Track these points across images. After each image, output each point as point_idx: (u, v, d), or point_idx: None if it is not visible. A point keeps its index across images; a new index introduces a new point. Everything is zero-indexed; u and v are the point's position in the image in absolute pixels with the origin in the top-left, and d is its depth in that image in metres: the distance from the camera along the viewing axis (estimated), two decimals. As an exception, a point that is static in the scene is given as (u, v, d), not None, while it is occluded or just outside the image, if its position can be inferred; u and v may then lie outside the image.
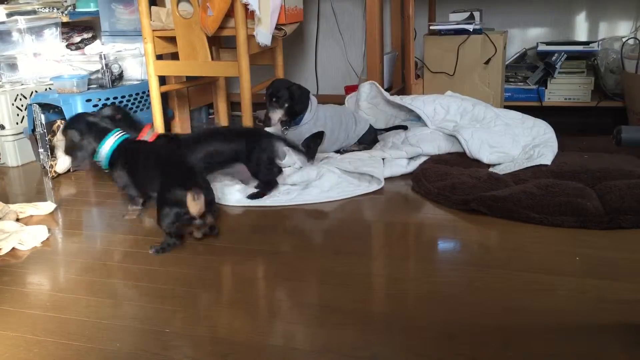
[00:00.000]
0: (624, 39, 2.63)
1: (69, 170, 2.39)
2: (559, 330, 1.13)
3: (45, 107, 2.50)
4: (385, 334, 1.15)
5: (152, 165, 1.64)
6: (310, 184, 1.98)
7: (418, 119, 2.36)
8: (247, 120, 2.30)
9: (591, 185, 1.79)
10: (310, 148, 2.15)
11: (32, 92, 2.64)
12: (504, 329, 1.14)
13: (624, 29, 2.83)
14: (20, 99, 2.60)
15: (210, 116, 3.33)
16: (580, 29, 2.91)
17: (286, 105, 2.06)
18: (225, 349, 1.12)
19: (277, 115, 2.06)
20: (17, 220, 1.87)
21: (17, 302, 1.36)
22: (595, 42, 2.72)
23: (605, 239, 1.52)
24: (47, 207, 1.96)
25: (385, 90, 2.52)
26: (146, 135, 1.82)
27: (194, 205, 1.49)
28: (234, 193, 1.95)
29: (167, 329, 1.20)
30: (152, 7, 2.34)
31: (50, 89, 2.70)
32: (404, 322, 1.19)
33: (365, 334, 1.15)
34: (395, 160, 2.14)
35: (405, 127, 2.34)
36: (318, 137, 2.16)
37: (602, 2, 2.84)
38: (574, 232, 1.57)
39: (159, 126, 2.45)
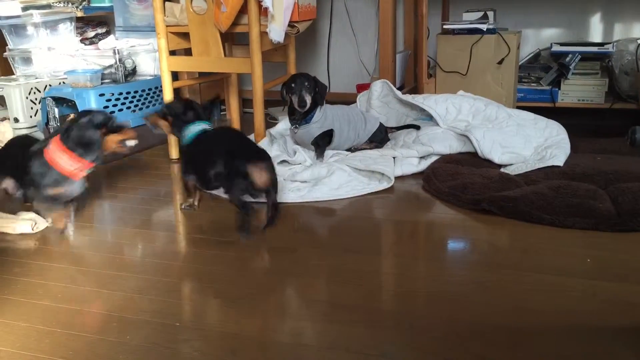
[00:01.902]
0: (639, 41, 2.61)
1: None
2: (569, 332, 1.12)
3: (59, 100, 2.53)
4: (394, 331, 1.15)
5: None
6: (321, 182, 1.98)
7: (430, 118, 2.35)
8: (259, 117, 2.31)
9: (603, 187, 1.78)
10: (320, 146, 2.17)
11: (46, 86, 2.66)
12: (514, 329, 1.14)
13: (639, 30, 2.81)
14: (35, 93, 2.62)
15: (222, 112, 3.34)
16: (595, 30, 2.89)
17: (312, 94, 2.09)
18: (234, 344, 1.13)
19: (310, 99, 2.08)
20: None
21: (29, 293, 1.37)
22: (610, 43, 2.70)
23: (617, 241, 1.51)
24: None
25: (397, 89, 2.52)
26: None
27: (259, 177, 1.57)
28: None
29: (177, 322, 1.21)
30: (166, 3, 2.35)
31: (64, 83, 2.72)
32: (413, 321, 1.19)
33: (374, 332, 1.15)
34: (406, 159, 2.14)
35: (417, 127, 2.33)
36: (327, 135, 2.17)
37: (617, 3, 2.82)
38: (585, 234, 1.56)
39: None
